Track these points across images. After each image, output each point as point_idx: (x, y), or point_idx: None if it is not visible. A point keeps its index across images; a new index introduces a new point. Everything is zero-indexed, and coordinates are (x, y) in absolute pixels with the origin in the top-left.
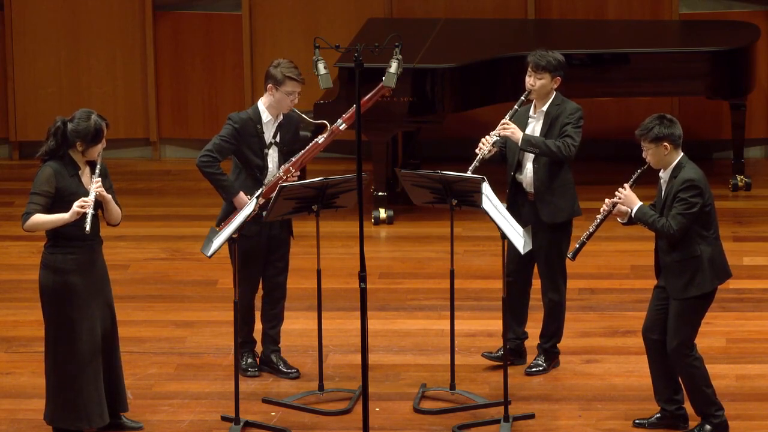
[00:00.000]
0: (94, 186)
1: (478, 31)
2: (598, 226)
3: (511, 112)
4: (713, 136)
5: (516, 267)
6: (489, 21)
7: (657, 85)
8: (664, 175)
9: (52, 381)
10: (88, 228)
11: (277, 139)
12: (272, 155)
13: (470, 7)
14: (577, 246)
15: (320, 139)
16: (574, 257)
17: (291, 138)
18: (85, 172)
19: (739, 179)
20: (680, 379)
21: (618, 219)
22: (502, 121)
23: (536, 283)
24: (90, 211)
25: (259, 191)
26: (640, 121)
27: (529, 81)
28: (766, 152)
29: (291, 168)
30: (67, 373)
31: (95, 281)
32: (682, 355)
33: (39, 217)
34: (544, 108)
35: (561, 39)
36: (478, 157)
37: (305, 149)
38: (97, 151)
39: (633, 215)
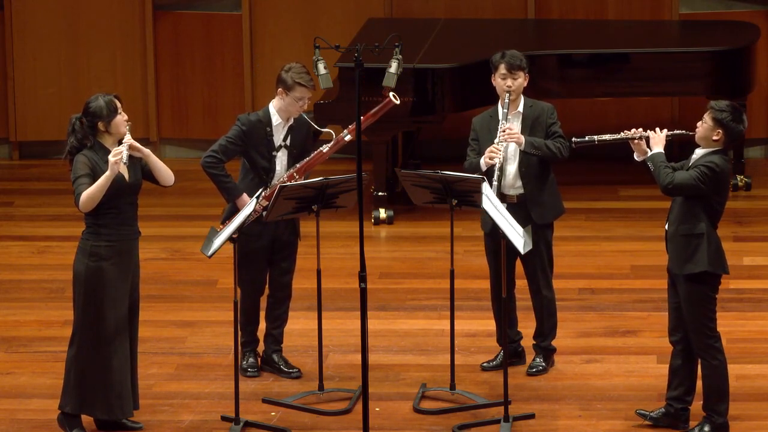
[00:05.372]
0: (125, 137)
1: (478, 31)
2: (615, 140)
3: (503, 115)
4: None
5: (499, 268)
6: (489, 21)
7: (657, 85)
8: (698, 153)
9: (74, 370)
10: (125, 160)
11: (288, 142)
12: (281, 158)
13: (470, 7)
14: (586, 139)
15: (325, 148)
16: (576, 146)
17: (302, 141)
18: None
19: (739, 179)
20: (700, 369)
21: (635, 154)
22: (504, 127)
23: (521, 284)
24: (125, 153)
25: (260, 192)
26: (640, 121)
27: (506, 83)
28: (766, 152)
29: (295, 174)
30: (94, 361)
31: (128, 272)
32: (705, 345)
33: (88, 191)
34: (520, 108)
35: (561, 39)
36: (497, 167)
37: (310, 157)
38: (121, 124)
39: (649, 155)
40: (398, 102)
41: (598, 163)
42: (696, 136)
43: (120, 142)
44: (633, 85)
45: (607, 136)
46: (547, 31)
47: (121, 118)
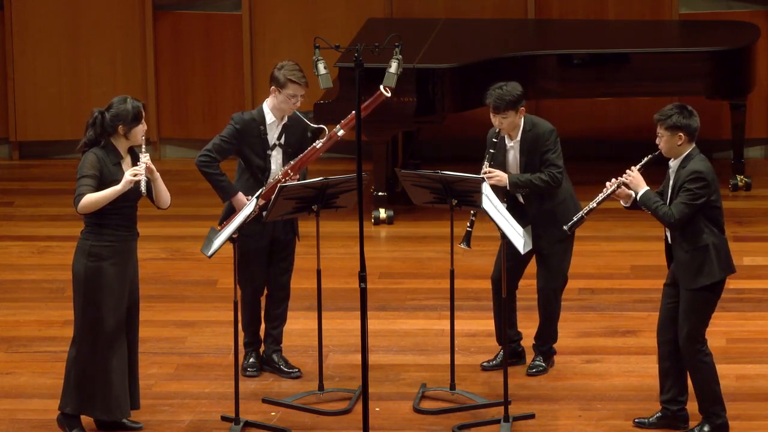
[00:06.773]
0: (144, 158)
1: (478, 31)
2: (599, 203)
3: (488, 157)
4: (713, 136)
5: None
6: (489, 21)
7: (657, 85)
8: (673, 165)
9: (75, 370)
10: (143, 189)
11: (282, 140)
12: (276, 156)
13: (470, 7)
14: (575, 219)
15: (318, 144)
16: (570, 229)
17: (297, 139)
18: (126, 161)
19: (739, 179)
20: (689, 375)
21: (621, 202)
22: (483, 170)
23: (522, 284)
24: (143, 178)
25: (260, 192)
26: (640, 120)
27: (495, 122)
28: (766, 152)
29: (290, 171)
30: (93, 361)
31: (127, 272)
32: (694, 350)
33: (92, 196)
34: (518, 137)
35: (561, 39)
36: (470, 223)
37: (304, 153)
38: (140, 132)
39: (638, 199)
40: (389, 95)
41: (598, 163)
42: (663, 152)
43: (131, 149)
44: (633, 85)
45: (592, 204)
46: (547, 31)
47: (142, 127)
